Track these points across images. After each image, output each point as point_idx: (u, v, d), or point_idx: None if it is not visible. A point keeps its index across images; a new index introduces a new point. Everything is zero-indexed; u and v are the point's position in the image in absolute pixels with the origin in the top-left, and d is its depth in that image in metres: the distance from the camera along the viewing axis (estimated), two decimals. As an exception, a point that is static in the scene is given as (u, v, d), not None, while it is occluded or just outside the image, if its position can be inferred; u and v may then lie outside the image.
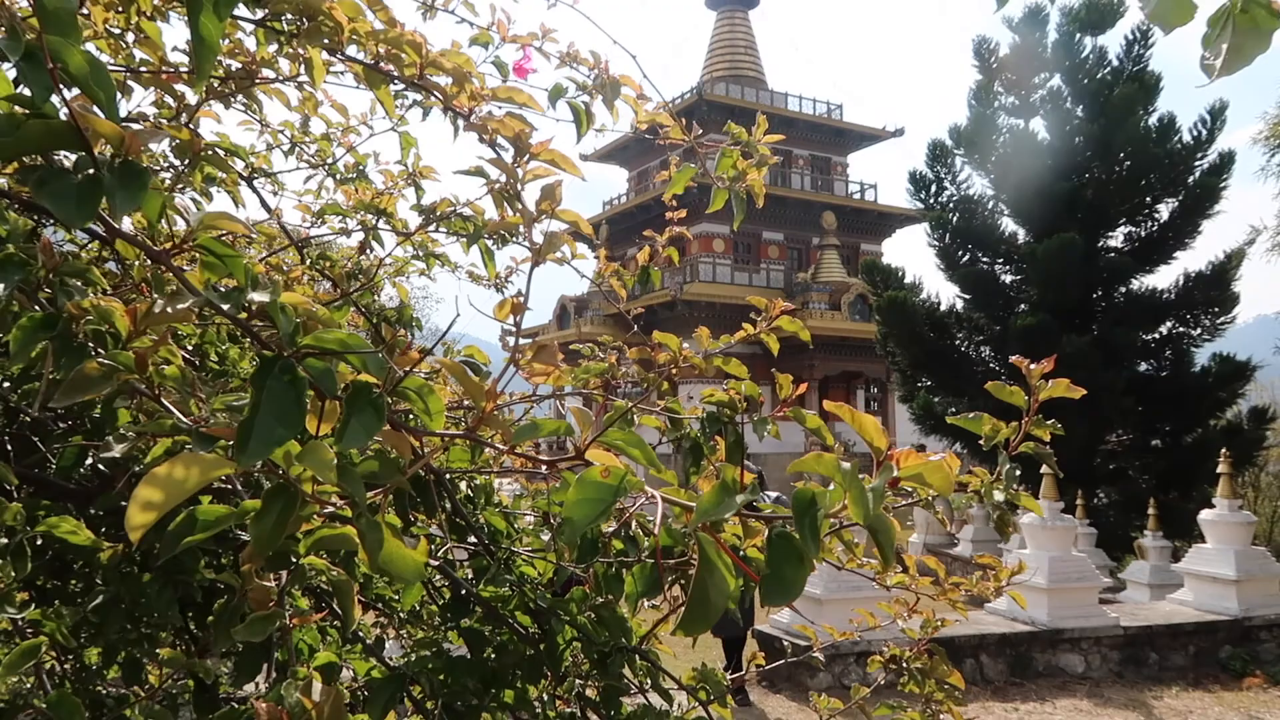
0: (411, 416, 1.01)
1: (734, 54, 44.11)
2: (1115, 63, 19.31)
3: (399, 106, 2.37)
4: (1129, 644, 11.27)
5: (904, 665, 1.94)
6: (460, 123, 1.38)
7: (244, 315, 0.76)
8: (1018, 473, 1.28)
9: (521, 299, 0.96)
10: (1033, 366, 1.27)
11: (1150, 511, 15.25)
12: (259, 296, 0.75)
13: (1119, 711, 9.79)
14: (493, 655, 2.02)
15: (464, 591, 1.96)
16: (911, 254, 44.13)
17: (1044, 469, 12.43)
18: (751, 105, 41.44)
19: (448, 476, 1.98)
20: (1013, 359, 1.34)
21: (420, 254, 2.19)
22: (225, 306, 0.75)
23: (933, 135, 21.45)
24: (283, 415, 0.74)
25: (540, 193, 1.09)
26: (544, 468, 1.09)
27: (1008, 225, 20.58)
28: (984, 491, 1.37)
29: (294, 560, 0.90)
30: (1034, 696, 10.36)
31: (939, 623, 2.03)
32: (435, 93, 1.28)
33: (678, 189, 1.77)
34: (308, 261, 2.03)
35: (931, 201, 20.89)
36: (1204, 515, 12.31)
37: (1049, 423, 1.27)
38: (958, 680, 1.99)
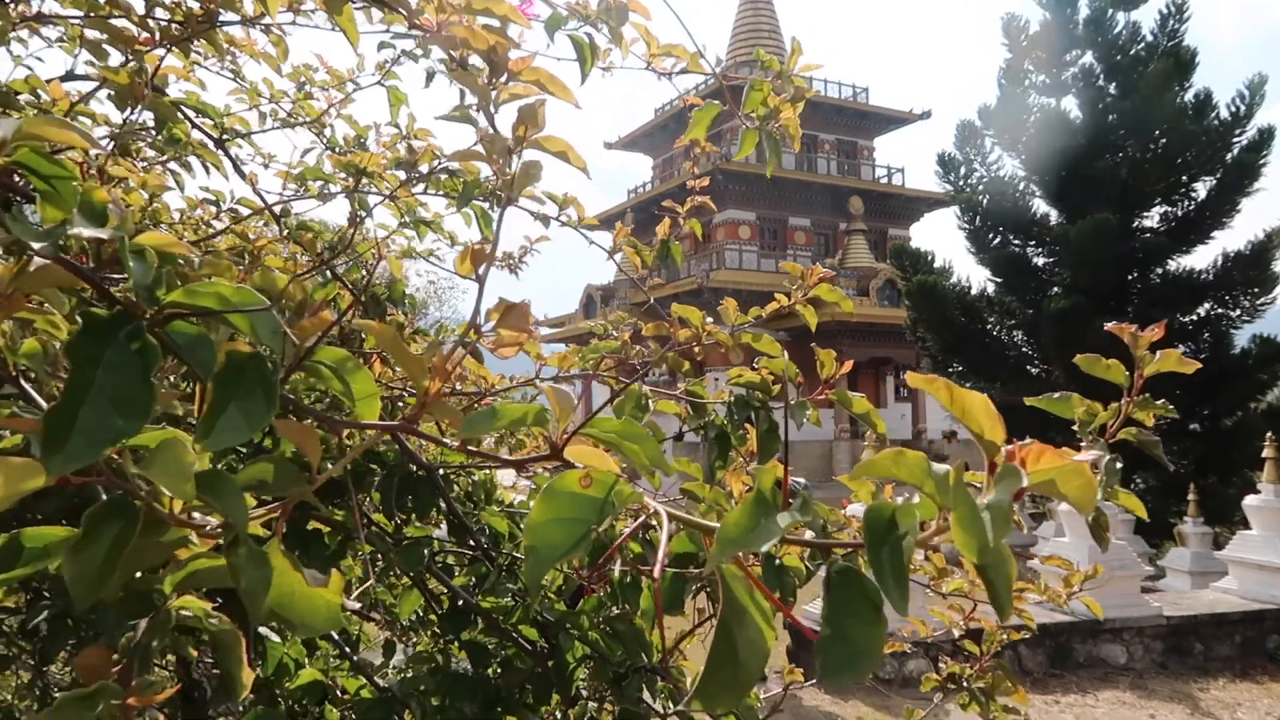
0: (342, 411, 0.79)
1: (757, 39, 43.61)
2: (1149, 38, 18.80)
3: (389, 63, 2.13)
4: (1172, 634, 10.93)
5: (965, 684, 1.70)
6: (441, 68, 1.15)
7: (87, 262, 0.54)
8: (1119, 466, 1.04)
9: (486, 246, 0.72)
10: (1139, 334, 1.03)
11: (1190, 497, 14.84)
12: (91, 231, 0.52)
13: (1164, 704, 9.48)
14: (498, 671, 1.79)
15: (461, 601, 1.73)
16: (941, 238, 43.68)
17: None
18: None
19: (441, 472, 1.75)
20: (1109, 326, 1.09)
21: (408, 220, 1.95)
22: (37, 246, 0.52)
23: (961, 116, 21.02)
24: (122, 400, 0.51)
25: (517, 116, 0.86)
26: (527, 468, 0.87)
27: (1039, 206, 20.14)
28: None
29: (160, 603, 0.68)
30: (1075, 688, 10.06)
31: (1003, 636, 1.79)
32: (399, 7, 1.05)
33: (698, 132, 1.53)
34: (284, 231, 1.81)
35: (961, 183, 20.50)
36: (1249, 501, 11.93)
37: (1158, 402, 1.03)
38: (1022, 699, 1.76)
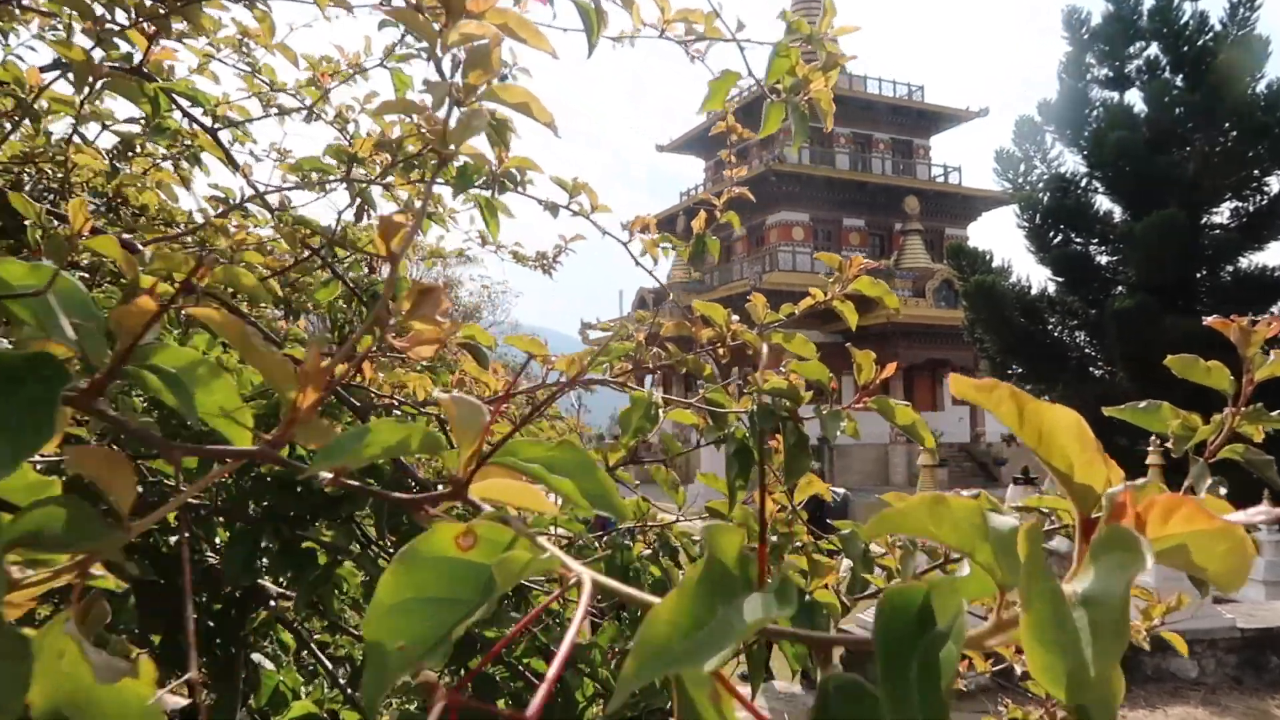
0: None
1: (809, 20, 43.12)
2: (1218, 27, 18.16)
3: (396, 44, 1.99)
4: (1246, 647, 10.44)
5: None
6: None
7: None
8: (1223, 491, 0.85)
9: (405, 218, 0.55)
10: (1251, 329, 0.83)
11: (1264, 504, 14.26)
12: None
13: (1238, 721, 9.05)
14: (509, 703, 1.63)
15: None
16: (999, 238, 42.84)
17: (1150, 457, 11.14)
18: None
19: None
20: (1208, 321, 0.90)
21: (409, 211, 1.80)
22: None
23: (1019, 113, 20.52)
24: None
25: (466, 58, 0.69)
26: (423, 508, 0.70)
27: (1102, 203, 19.57)
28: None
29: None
30: (1143, 703, 9.66)
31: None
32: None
33: (716, 104, 1.35)
34: (278, 222, 1.66)
35: (1020, 181, 20.01)
36: (1328, 508, 11.38)
37: (1275, 414, 0.83)
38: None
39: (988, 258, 20.16)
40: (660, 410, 1.15)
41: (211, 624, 1.72)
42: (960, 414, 40.21)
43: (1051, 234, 19.57)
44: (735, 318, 1.37)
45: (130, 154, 2.15)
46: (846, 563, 1.21)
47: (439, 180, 1.57)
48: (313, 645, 1.71)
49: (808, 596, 1.11)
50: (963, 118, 43.13)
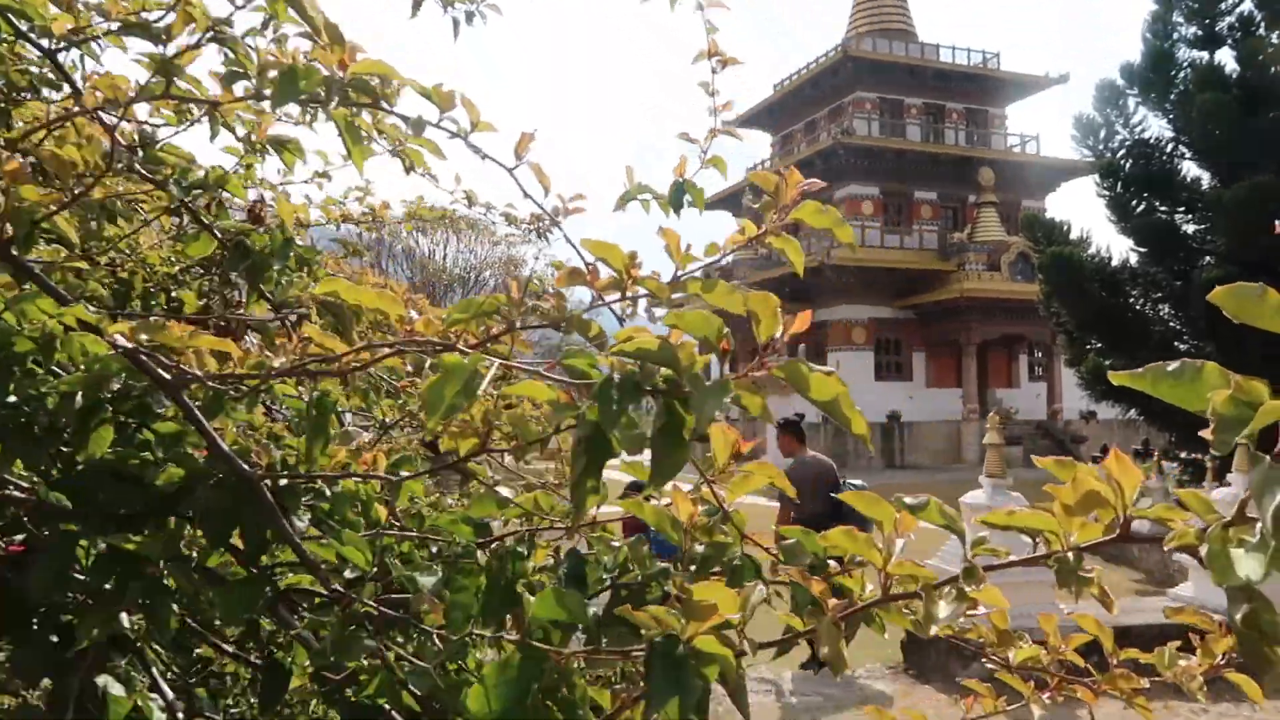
0: None
1: (880, 6, 41.98)
2: (1319, -21, 17.02)
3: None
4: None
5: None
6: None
7: None
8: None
9: None
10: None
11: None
12: None
13: (1334, 722, 8.41)
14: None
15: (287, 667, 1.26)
16: (1079, 209, 41.35)
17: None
18: (900, 59, 39.37)
19: (286, 482, 1.28)
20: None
21: (254, 145, 1.44)
22: None
23: (1100, 78, 19.59)
24: None
25: None
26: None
27: (1189, 170, 18.58)
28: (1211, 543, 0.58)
29: None
30: (1229, 695, 9.05)
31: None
32: None
33: None
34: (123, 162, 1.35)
35: (1101, 148, 19.10)
36: None
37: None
38: None
39: (1065, 229, 19.33)
40: (485, 381, 0.82)
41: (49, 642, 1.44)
42: (1038, 390, 39.00)
43: (1134, 203, 18.66)
44: (642, 265, 1.01)
45: None
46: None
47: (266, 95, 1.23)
48: (156, 671, 1.41)
49: (680, 648, 0.76)
50: (1041, 85, 41.56)
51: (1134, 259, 18.97)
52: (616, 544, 1.22)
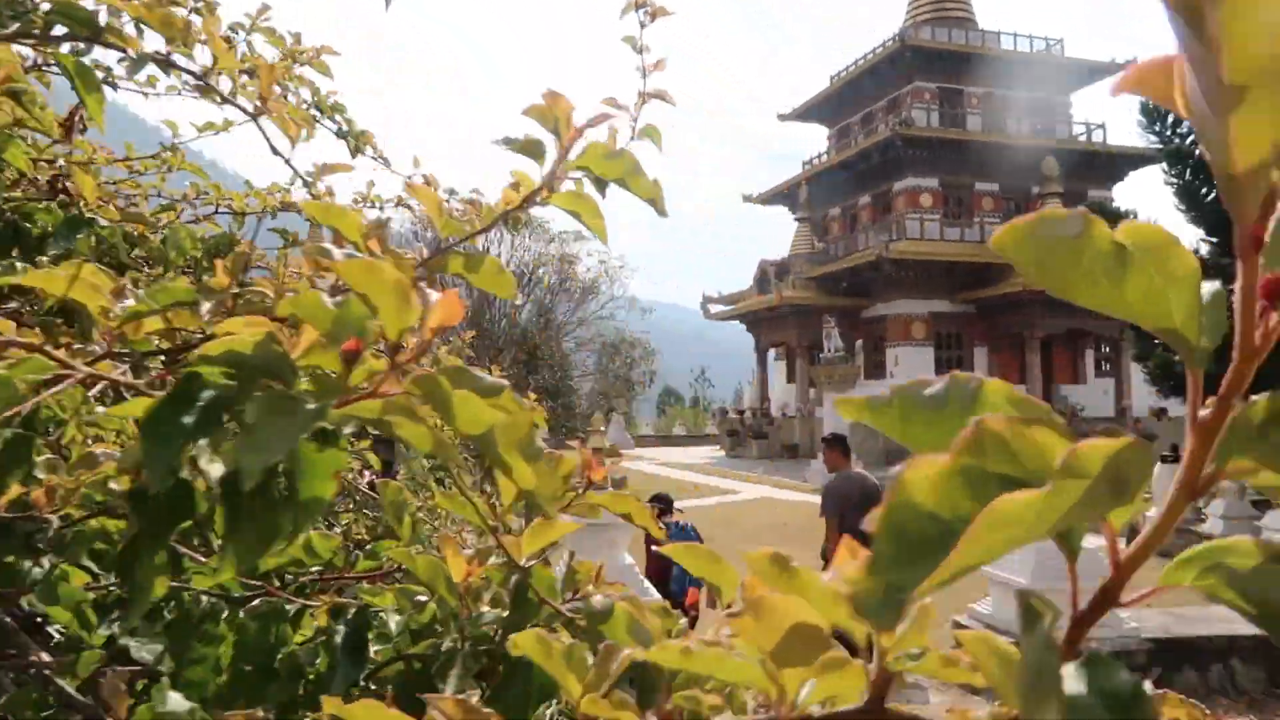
0: None
1: (940, -5, 41.10)
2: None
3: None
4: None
5: None
6: None
7: None
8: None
9: None
10: None
11: None
12: None
13: None
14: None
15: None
16: (1148, 199, 40.02)
17: None
18: (960, 48, 38.55)
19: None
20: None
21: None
22: None
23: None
24: None
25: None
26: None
27: (1264, 154, 17.84)
28: None
29: None
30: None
31: None
32: None
33: None
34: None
35: (1169, 134, 18.47)
36: None
37: None
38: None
39: (1132, 218, 18.68)
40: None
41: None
42: (1105, 386, 37.93)
43: (1204, 190, 18.03)
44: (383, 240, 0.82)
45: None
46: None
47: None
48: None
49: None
50: (1107, 70, 40.37)
51: (1204, 249, 18.32)
52: (422, 598, 1.00)
